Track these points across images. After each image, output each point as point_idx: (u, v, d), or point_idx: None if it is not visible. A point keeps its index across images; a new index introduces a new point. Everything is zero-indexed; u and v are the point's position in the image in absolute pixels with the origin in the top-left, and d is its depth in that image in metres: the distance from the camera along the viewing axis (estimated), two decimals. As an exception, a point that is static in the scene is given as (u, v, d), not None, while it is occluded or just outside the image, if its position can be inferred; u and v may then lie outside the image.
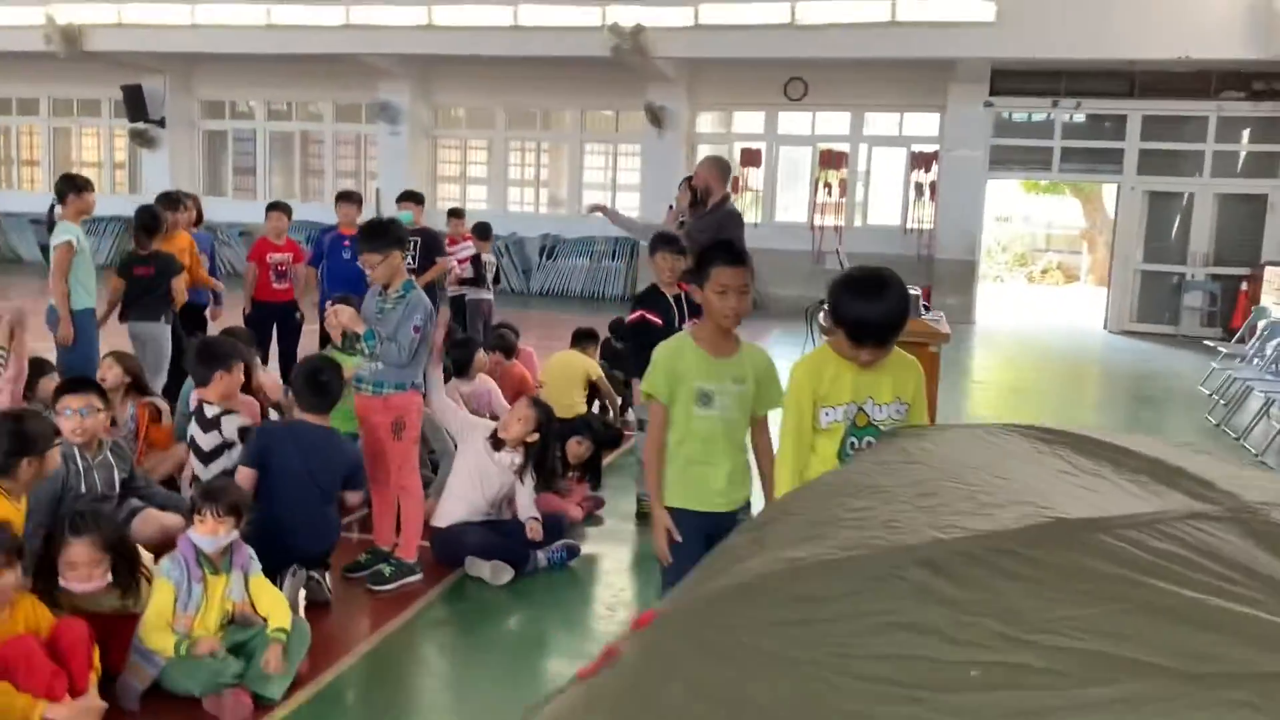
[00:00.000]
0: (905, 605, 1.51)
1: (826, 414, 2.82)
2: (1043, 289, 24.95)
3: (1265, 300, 10.87)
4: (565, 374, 7.28)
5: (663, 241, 5.38)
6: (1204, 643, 1.35)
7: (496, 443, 4.89)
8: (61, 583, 3.53)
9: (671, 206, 7.12)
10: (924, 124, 16.08)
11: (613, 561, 5.04)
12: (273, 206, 8.24)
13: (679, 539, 3.11)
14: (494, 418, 5.59)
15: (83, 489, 4.11)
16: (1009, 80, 15.07)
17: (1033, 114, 15.41)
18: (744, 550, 1.73)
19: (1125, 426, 8.90)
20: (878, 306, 2.73)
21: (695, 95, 16.57)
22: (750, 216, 16.74)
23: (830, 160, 16.27)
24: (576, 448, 5.57)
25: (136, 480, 4.45)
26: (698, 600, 1.67)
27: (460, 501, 4.85)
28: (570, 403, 7.14)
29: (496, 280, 9.63)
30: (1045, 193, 27.55)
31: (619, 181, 17.92)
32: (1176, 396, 10.42)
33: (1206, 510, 1.56)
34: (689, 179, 7.15)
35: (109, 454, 4.33)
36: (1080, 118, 15.20)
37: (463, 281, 9.24)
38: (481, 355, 6.67)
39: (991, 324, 15.46)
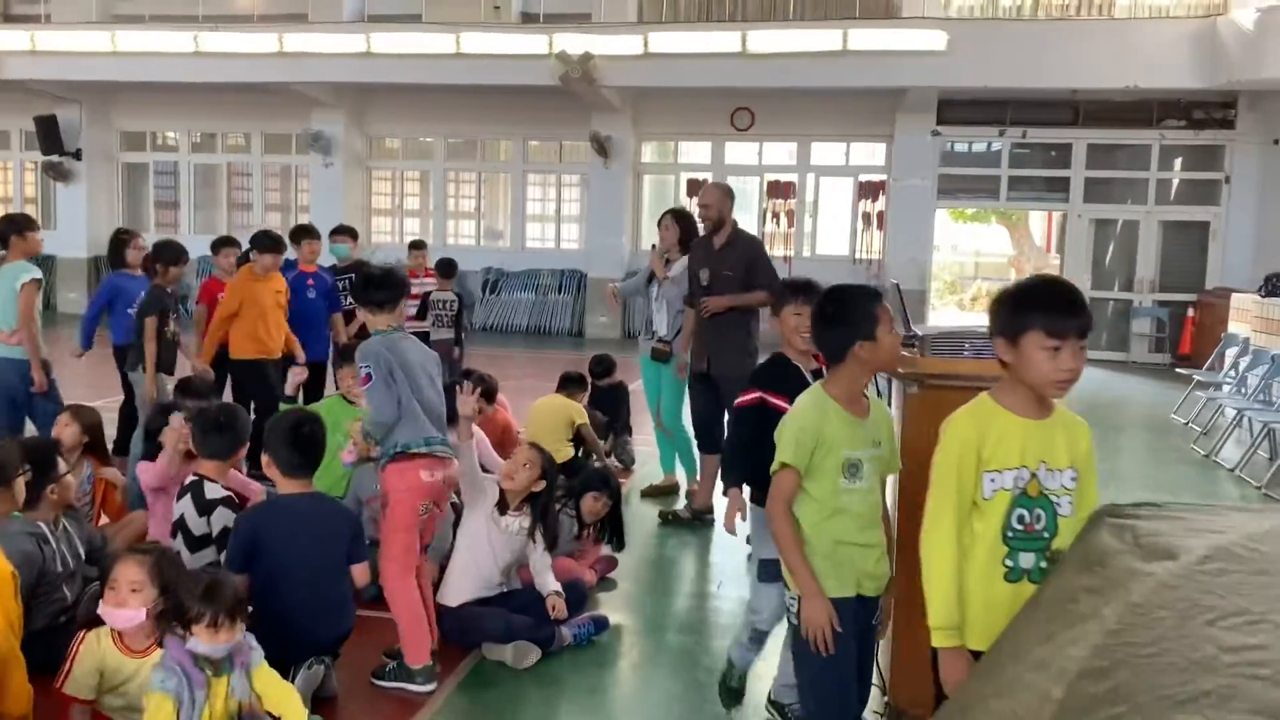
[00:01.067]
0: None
1: (992, 480, 2.39)
2: (975, 316, 25.15)
3: (1233, 327, 10.85)
4: (551, 420, 6.80)
5: (795, 291, 3.68)
6: None
7: (502, 505, 4.37)
8: (100, 610, 3.24)
9: (654, 246, 6.70)
10: (871, 153, 15.99)
11: (638, 631, 4.55)
12: (222, 242, 7.60)
13: (839, 629, 2.68)
14: (484, 470, 5.05)
15: (58, 568, 3.55)
16: (956, 110, 15.07)
17: (974, 144, 15.44)
18: (1102, 710, 1.29)
19: (1112, 457, 8.72)
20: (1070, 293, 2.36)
21: (641, 124, 16.26)
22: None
23: (778, 190, 16.09)
24: (594, 504, 5.06)
25: (97, 548, 3.88)
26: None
27: (470, 576, 4.31)
28: (556, 449, 6.66)
29: (459, 319, 9.07)
30: (973, 221, 27.90)
31: (563, 213, 17.48)
32: (1147, 424, 10.32)
33: None
34: (673, 212, 6.74)
35: (65, 523, 3.77)
36: (1026, 148, 15.27)
37: (411, 319, 8.69)
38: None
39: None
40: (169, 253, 6.52)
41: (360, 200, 17.25)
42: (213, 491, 3.97)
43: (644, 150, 16.76)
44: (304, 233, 7.64)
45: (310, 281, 7.31)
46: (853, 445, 2.74)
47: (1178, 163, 14.91)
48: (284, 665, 3.37)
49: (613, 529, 5.14)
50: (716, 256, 5.97)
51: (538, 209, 17.68)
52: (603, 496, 5.05)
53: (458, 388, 4.16)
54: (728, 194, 6.16)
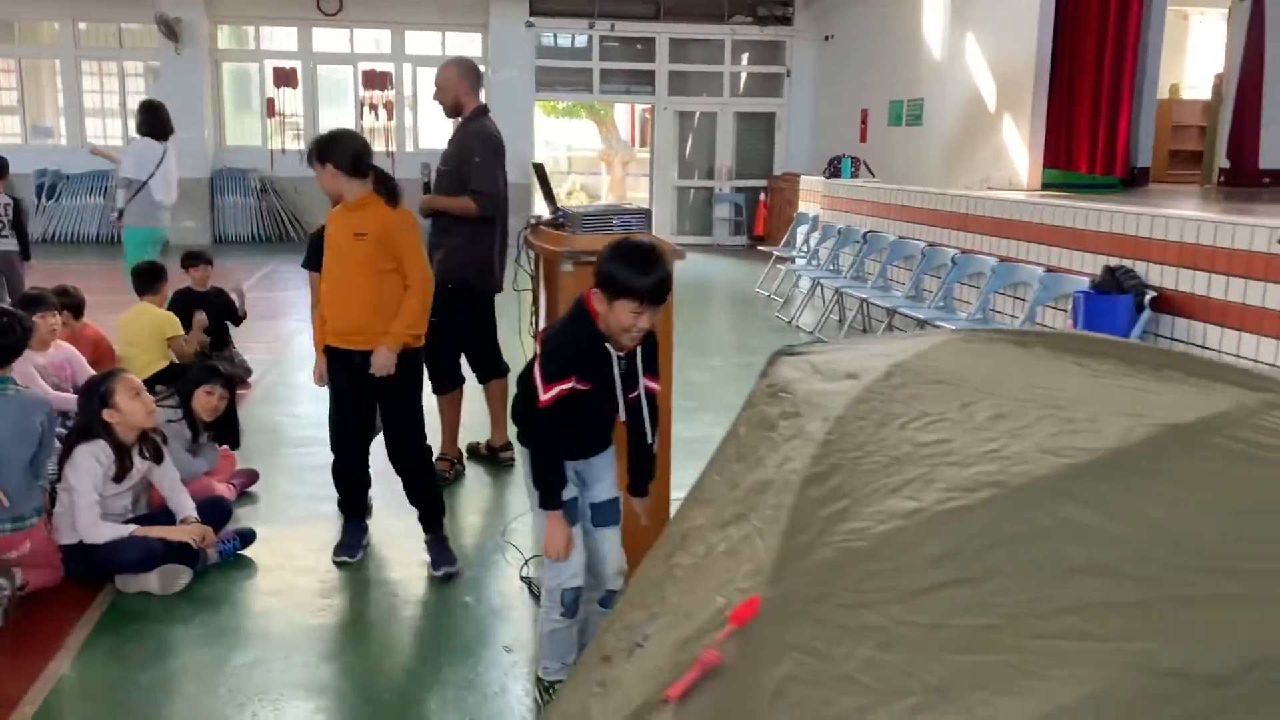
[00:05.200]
0: (1070, 548, 1.32)
1: None
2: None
3: (803, 206, 12.11)
4: (140, 332, 6.17)
5: (640, 295, 2.76)
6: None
7: (114, 442, 3.93)
8: None
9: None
10: (467, 44, 15.78)
11: (296, 543, 4.35)
12: None
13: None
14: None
15: None
16: (548, 1, 15.22)
17: (566, 36, 15.76)
18: (831, 509, 1.43)
19: (709, 327, 9.54)
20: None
21: (215, 5, 14.83)
22: (289, 143, 15.51)
23: (374, 81, 15.45)
24: (207, 399, 4.60)
25: None
26: (813, 578, 1.35)
27: (87, 509, 3.86)
28: (150, 362, 6.10)
29: (19, 224, 7.89)
30: (564, 116, 28.59)
31: (129, 106, 15.62)
32: (736, 298, 11.35)
33: (1274, 399, 1.54)
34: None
35: None
36: (615, 41, 15.81)
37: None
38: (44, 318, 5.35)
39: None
40: None
41: None
42: None
43: (220, 35, 15.34)
44: None
45: None
46: None
47: (745, 57, 16.18)
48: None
49: (229, 428, 4.79)
50: (447, 149, 5.06)
51: (96, 102, 15.67)
52: (216, 389, 4.64)
53: None
54: (464, 73, 5.02)
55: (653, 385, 2.99)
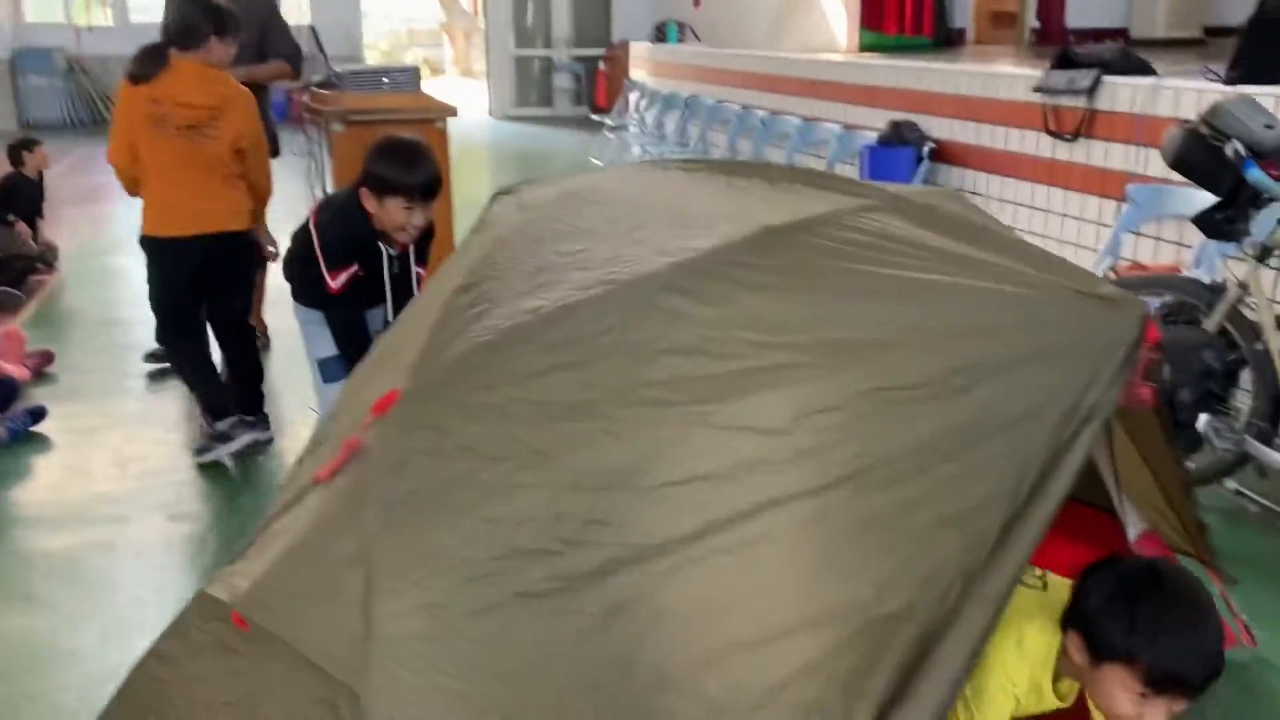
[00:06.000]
0: (665, 331, 1.53)
1: None
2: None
3: (634, 73, 12.10)
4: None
5: (414, 192, 2.90)
6: (914, 314, 1.56)
7: None
8: None
9: None
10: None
11: (96, 417, 4.34)
12: None
13: None
14: None
15: None
16: None
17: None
18: (473, 311, 1.61)
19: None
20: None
21: None
22: (96, 19, 14.53)
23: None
24: None
25: None
26: (445, 368, 1.53)
27: None
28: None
29: None
30: (402, -13, 27.44)
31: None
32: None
33: (869, 204, 1.77)
34: None
35: None
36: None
37: None
38: None
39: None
40: None
41: None
42: None
43: (5, -101, 14.11)
44: None
45: None
46: None
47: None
48: None
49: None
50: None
51: None
52: None
53: None
54: None
55: (422, 272, 3.12)
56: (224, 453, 3.67)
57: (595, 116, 13.55)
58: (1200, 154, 3.08)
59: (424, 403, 1.49)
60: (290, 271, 3.21)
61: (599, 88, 15.78)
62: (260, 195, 3.75)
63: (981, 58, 8.11)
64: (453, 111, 3.64)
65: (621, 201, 1.83)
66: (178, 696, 1.52)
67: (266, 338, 5.23)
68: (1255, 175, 2.94)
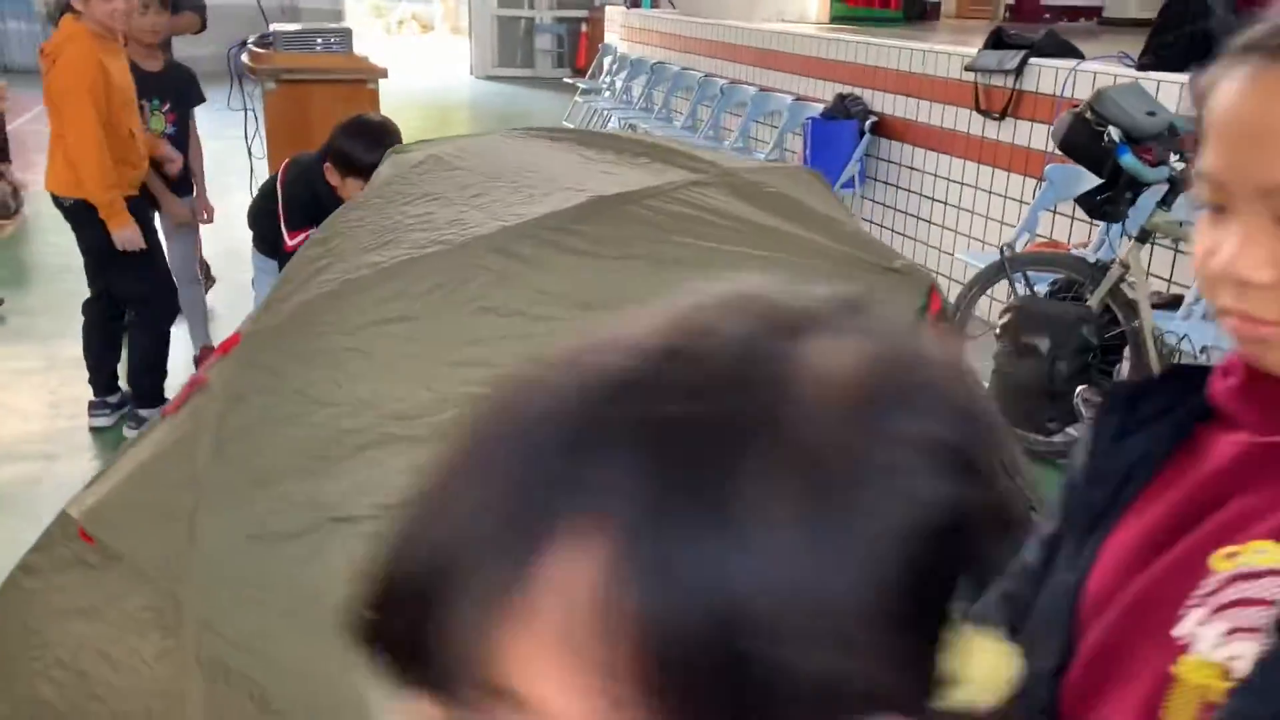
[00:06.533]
0: (490, 291, 1.69)
1: None
2: (403, 40, 25.11)
3: (609, 38, 12.14)
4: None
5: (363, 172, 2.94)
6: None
7: None
8: None
9: None
10: None
11: (37, 359, 4.49)
12: None
13: None
14: None
15: None
16: None
17: None
18: (319, 264, 1.76)
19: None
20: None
21: None
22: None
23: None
24: None
25: None
26: (285, 315, 1.69)
27: None
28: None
29: None
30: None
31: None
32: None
33: (701, 178, 1.92)
34: None
35: None
36: None
37: None
38: None
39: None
40: None
41: None
42: None
43: None
44: None
45: None
46: None
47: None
48: None
49: None
50: None
51: None
52: None
53: None
54: None
55: None
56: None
57: (573, 80, 13.62)
58: (1083, 138, 3.24)
59: (261, 346, 1.65)
60: (253, 220, 3.38)
61: (580, 50, 15.79)
62: (71, 160, 3.32)
63: (942, 33, 8.22)
64: (383, 73, 3.77)
65: (478, 168, 1.98)
66: (41, 605, 1.68)
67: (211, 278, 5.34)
68: (1128, 160, 3.10)
